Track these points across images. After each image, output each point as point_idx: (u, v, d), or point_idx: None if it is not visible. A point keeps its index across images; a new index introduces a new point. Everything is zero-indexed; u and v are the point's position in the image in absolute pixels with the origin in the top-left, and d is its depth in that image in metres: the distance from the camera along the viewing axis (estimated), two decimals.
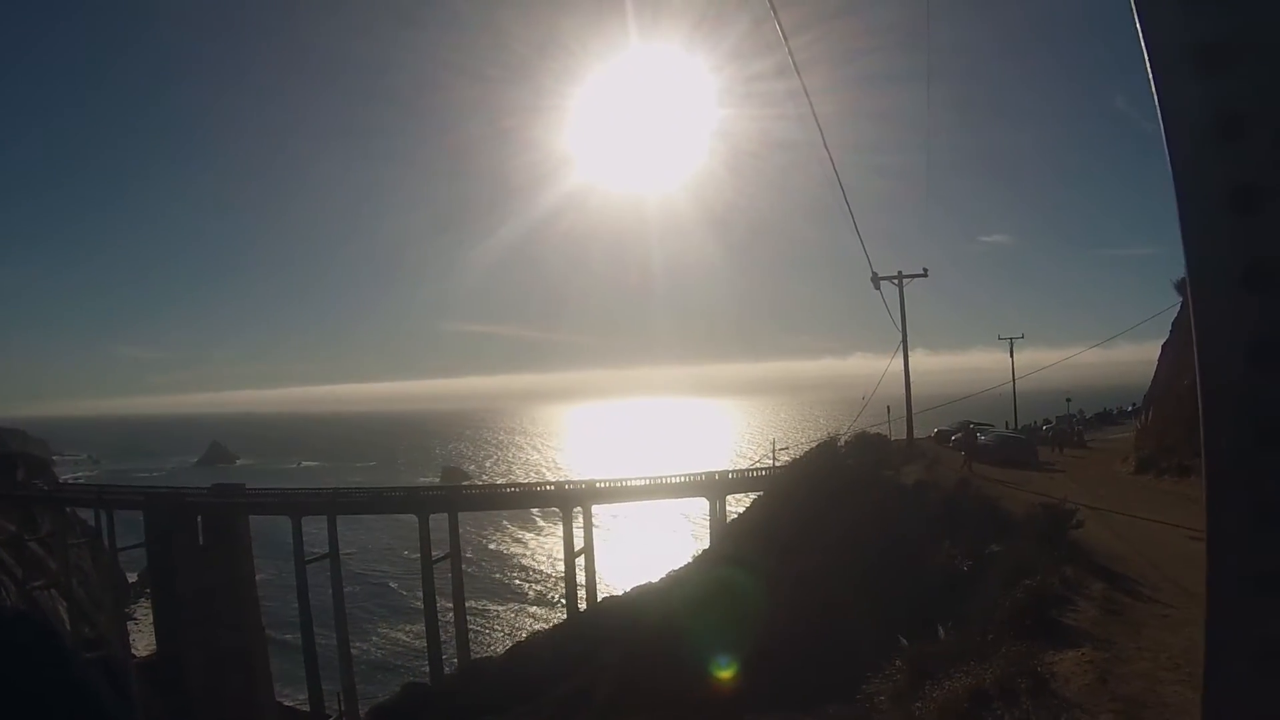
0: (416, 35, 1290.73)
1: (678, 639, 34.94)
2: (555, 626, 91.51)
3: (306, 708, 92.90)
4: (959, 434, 69.49)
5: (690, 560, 61.93)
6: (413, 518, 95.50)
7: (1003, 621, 16.64)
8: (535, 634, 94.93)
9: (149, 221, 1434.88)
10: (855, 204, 24.63)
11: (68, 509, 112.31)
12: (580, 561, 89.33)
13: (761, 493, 62.06)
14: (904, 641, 18.00)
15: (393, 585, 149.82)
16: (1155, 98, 2.32)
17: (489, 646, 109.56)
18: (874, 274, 53.63)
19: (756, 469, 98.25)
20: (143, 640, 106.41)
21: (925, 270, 58.19)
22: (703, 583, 43.57)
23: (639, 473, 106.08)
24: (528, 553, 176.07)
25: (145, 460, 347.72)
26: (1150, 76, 2.30)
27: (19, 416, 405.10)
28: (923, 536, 29.58)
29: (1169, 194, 2.28)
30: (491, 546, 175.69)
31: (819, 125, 19.00)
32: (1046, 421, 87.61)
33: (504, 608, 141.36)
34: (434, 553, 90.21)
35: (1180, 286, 44.49)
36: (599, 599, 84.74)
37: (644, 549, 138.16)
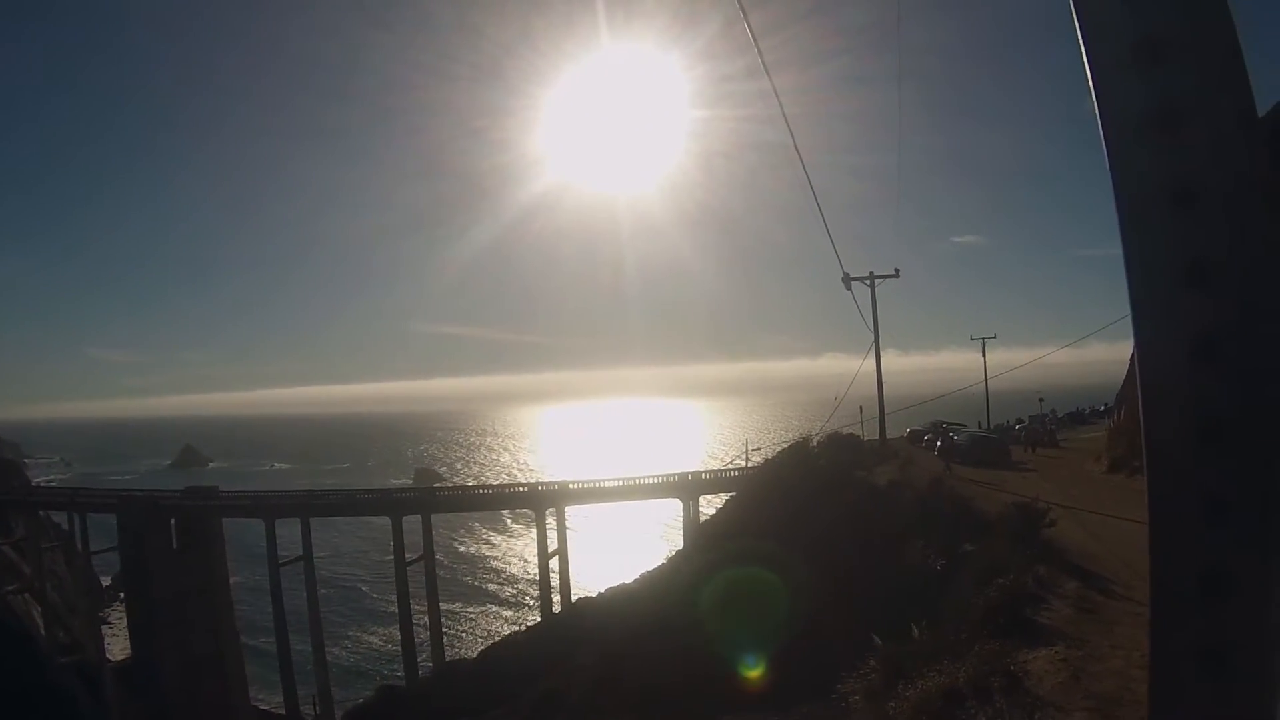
0: (386, 35, 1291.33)
1: (652, 639, 34.94)
2: (530, 628, 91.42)
3: (282, 711, 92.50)
4: (929, 434, 69.83)
5: (664, 561, 61.95)
6: (382, 520, 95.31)
7: (976, 620, 16.67)
8: (510, 635, 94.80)
9: (120, 223, 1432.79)
10: (827, 205, 24.65)
11: (41, 512, 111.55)
12: (554, 563, 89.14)
13: (735, 493, 62.02)
14: (878, 641, 18.04)
15: (364, 588, 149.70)
16: (1093, 93, 2.31)
17: (463, 648, 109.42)
18: (845, 274, 53.81)
19: (730, 470, 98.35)
20: (117, 644, 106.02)
21: (897, 271, 58.49)
22: (676, 583, 43.55)
23: (612, 474, 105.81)
24: (499, 555, 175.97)
25: (118, 463, 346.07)
26: (1088, 72, 2.30)
27: None
28: (896, 536, 29.66)
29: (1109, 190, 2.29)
30: (462, 549, 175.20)
31: (789, 126, 18.99)
32: (1019, 421, 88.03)
33: (478, 610, 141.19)
34: (407, 555, 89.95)
35: None
36: (573, 600, 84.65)
37: (617, 550, 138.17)
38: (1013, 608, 16.88)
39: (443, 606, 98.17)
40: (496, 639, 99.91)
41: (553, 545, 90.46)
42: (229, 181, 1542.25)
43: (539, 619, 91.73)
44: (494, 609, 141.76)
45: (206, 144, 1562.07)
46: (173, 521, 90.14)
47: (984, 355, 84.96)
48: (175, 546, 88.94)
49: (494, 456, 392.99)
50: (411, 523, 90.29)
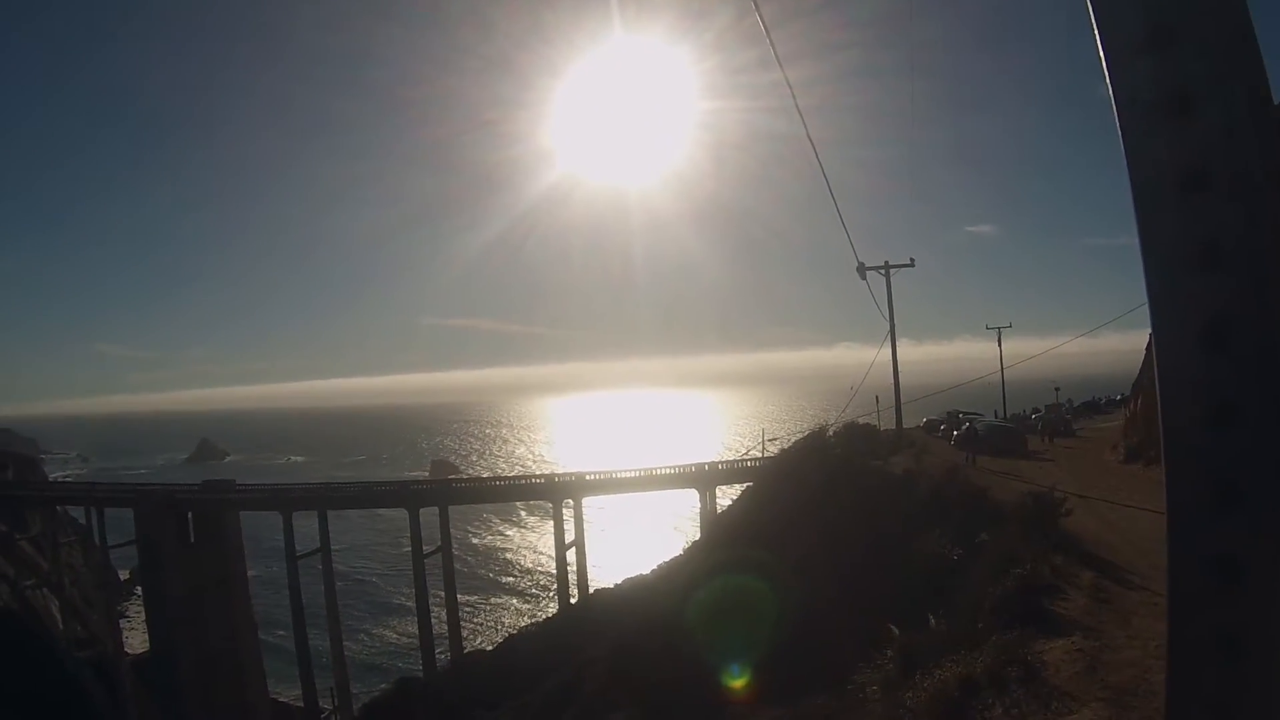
0: (397, 28, 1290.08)
1: (667, 631, 34.93)
2: (546, 619, 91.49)
3: (300, 704, 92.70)
4: (945, 424, 69.59)
5: (680, 552, 61.92)
6: (394, 514, 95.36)
7: (993, 610, 16.64)
8: (526, 627, 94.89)
9: (129, 219, 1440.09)
10: (839, 196, 24.54)
11: (58, 507, 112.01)
12: (570, 554, 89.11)
13: (751, 484, 61.89)
14: (894, 631, 18.01)
15: (377, 581, 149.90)
16: (1107, 78, 2.32)
17: (480, 640, 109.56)
18: (860, 264, 53.45)
19: (746, 460, 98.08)
20: (135, 637, 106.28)
21: (912, 260, 58.33)
22: (692, 574, 43.53)
23: (627, 465, 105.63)
24: (513, 548, 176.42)
25: (134, 458, 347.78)
26: (1101, 57, 2.31)
27: (5, 416, 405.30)
28: (912, 525, 29.55)
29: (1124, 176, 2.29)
30: (476, 542, 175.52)
31: (803, 117, 18.94)
32: (1035, 410, 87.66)
33: (494, 602, 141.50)
34: (424, 547, 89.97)
35: None
36: (590, 592, 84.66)
37: (634, 541, 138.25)
38: (1029, 598, 16.86)
39: (459, 598, 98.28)
40: (513, 631, 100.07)
41: (570, 536, 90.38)
42: (239, 175, 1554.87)
43: (555, 611, 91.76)
44: (510, 601, 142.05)
45: (216, 137, 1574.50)
46: (190, 515, 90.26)
47: (999, 345, 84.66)
48: (192, 540, 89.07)
49: (509, 448, 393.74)
50: (426, 515, 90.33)
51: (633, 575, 76.09)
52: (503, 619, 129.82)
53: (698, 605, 34.03)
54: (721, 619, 31.52)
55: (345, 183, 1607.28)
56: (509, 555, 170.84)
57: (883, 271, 56.49)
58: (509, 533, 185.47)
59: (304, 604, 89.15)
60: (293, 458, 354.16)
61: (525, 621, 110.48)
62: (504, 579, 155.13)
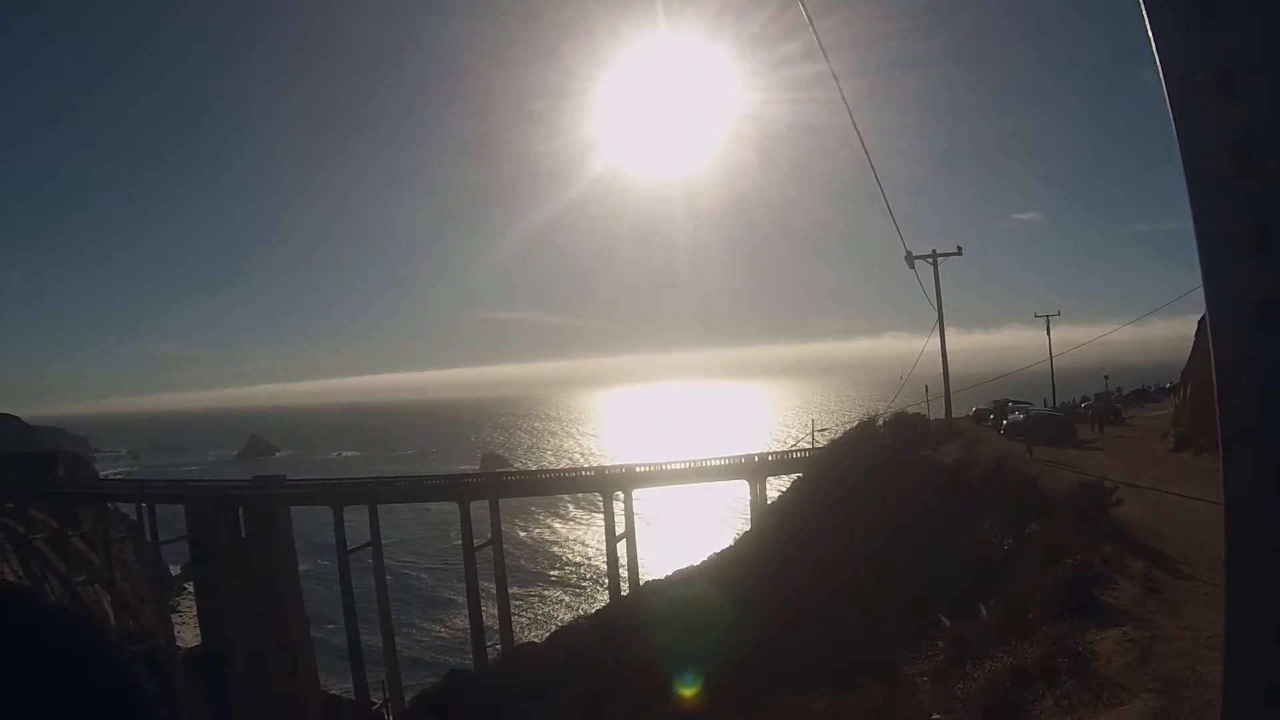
0: (445, 20, 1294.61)
1: (712, 624, 34.89)
2: (597, 611, 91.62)
3: (351, 697, 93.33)
4: (993, 413, 69.12)
5: (731, 543, 61.80)
6: (442, 508, 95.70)
7: (1043, 601, 16.58)
8: (576, 619, 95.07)
9: (178, 218, 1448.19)
10: (884, 186, 24.46)
11: (109, 504, 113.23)
12: (621, 547, 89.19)
13: (801, 474, 61.70)
14: (945, 621, 17.96)
15: (425, 576, 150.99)
16: (1156, 57, 2.30)
17: (532, 633, 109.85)
18: (908, 253, 53.17)
19: (796, 451, 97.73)
20: (188, 632, 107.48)
21: (960, 249, 57.98)
22: (739, 565, 43.52)
23: (676, 457, 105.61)
24: (560, 541, 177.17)
25: (184, 455, 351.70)
26: (1150, 35, 2.27)
27: (56, 415, 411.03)
28: (961, 515, 29.40)
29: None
30: (523, 535, 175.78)
31: (848, 108, 18.91)
32: (1085, 399, 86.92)
33: (545, 595, 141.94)
34: (474, 540, 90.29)
35: None
36: (640, 583, 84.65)
37: (684, 533, 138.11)
38: (1080, 588, 16.76)
39: (510, 591, 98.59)
40: (562, 624, 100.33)
41: (620, 528, 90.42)
42: (287, 172, 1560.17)
43: (605, 603, 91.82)
44: (560, 595, 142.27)
45: (264, 134, 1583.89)
46: (240, 511, 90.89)
47: (1048, 333, 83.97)
48: (243, 535, 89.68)
49: (558, 441, 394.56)
50: (478, 508, 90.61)
51: (684, 566, 76.15)
52: (553, 612, 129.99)
53: (741, 595, 34.03)
54: (762, 605, 31.50)
55: (393, 177, 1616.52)
56: (556, 549, 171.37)
57: (930, 261, 56.17)
58: (557, 526, 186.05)
59: (354, 598, 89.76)
60: (342, 453, 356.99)
61: (573, 615, 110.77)
62: (552, 572, 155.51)
